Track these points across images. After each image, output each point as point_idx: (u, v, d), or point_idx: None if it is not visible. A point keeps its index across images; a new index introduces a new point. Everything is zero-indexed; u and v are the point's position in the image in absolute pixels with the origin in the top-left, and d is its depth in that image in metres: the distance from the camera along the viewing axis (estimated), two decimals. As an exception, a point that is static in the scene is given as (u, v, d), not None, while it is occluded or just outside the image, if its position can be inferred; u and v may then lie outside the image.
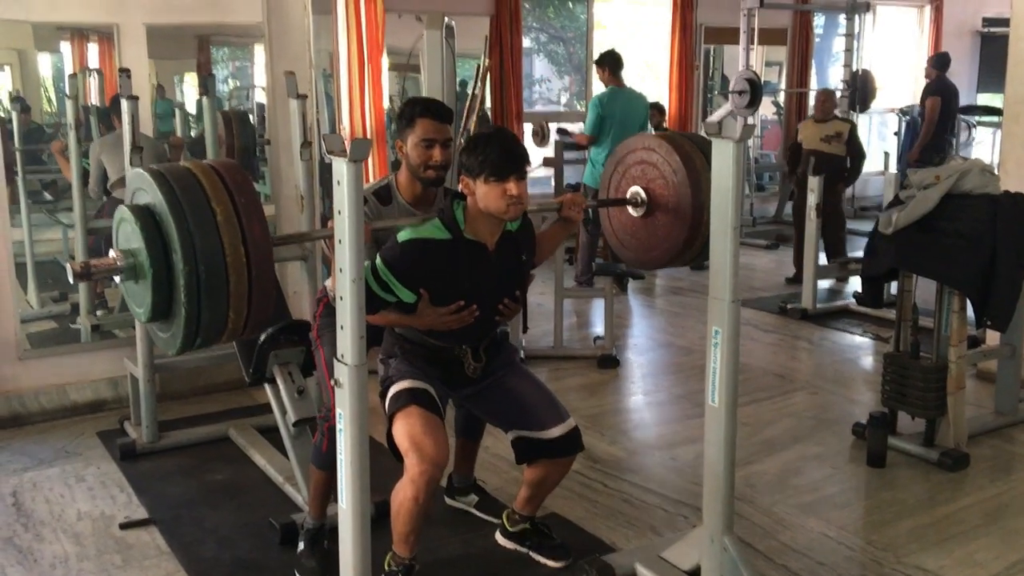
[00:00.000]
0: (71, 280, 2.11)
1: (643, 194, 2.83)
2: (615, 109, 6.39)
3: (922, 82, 11.34)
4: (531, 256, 2.89)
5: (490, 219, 2.66)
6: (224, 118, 5.10)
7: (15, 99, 4.66)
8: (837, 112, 7.39)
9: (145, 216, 2.01)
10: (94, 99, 4.92)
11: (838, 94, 8.06)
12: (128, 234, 2.07)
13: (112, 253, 2.11)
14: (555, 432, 2.84)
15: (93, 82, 4.89)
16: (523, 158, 2.63)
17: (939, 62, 8.94)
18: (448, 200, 2.72)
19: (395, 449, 2.71)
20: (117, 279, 2.11)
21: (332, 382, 2.30)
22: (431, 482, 2.61)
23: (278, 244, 2.20)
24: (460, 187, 2.66)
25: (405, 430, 2.65)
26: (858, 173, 7.29)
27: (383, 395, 2.81)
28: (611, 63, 6.55)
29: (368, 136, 7.09)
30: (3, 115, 4.53)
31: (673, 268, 7.54)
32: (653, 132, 7.34)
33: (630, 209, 2.88)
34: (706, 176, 2.66)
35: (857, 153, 7.05)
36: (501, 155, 2.57)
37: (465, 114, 6.96)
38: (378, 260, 2.60)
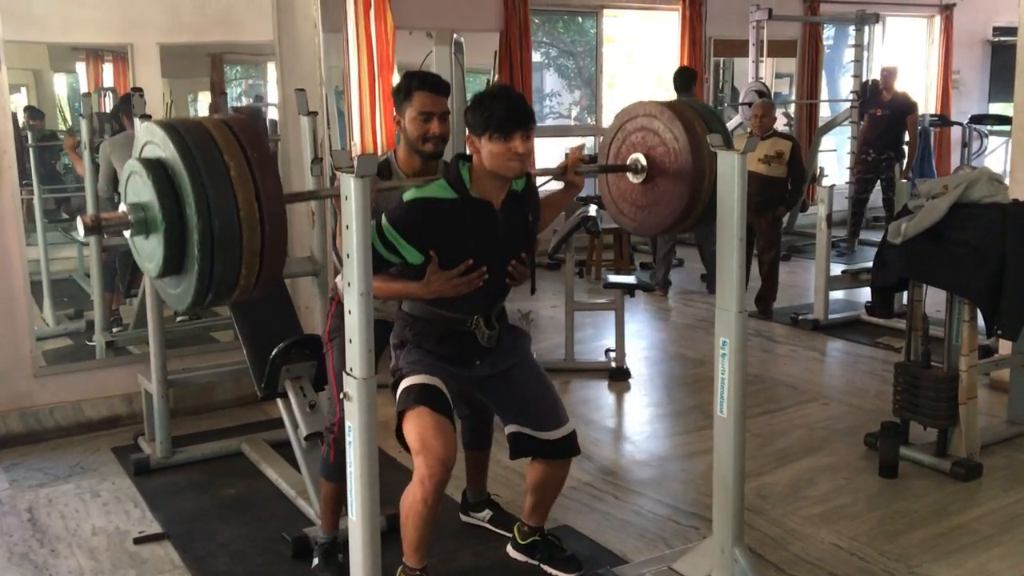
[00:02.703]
0: (81, 234, 2.07)
1: (643, 160, 2.82)
2: None
3: (933, 91, 11.38)
4: (537, 218, 2.87)
5: (496, 178, 2.64)
6: (236, 114, 5.13)
7: (27, 108, 4.72)
8: (778, 128, 6.77)
9: (157, 169, 1.98)
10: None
11: (843, 104, 7.66)
12: (138, 187, 2.03)
13: (122, 207, 2.08)
14: (554, 435, 2.85)
15: (108, 101, 4.95)
16: (529, 115, 2.60)
17: (892, 76, 8.70)
18: (453, 160, 2.70)
19: (405, 443, 2.72)
20: (127, 233, 2.07)
21: (340, 396, 2.31)
22: (439, 484, 2.63)
23: (288, 201, 2.17)
24: (466, 145, 2.64)
25: (416, 431, 2.66)
26: (799, 196, 6.69)
27: (394, 387, 2.78)
28: (679, 80, 7.12)
29: (379, 152, 7.14)
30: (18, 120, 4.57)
31: (686, 287, 7.58)
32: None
33: (630, 176, 2.87)
34: (707, 143, 2.66)
35: (798, 175, 6.44)
36: (506, 112, 2.55)
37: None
38: (384, 220, 2.59)
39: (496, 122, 2.54)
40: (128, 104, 3.87)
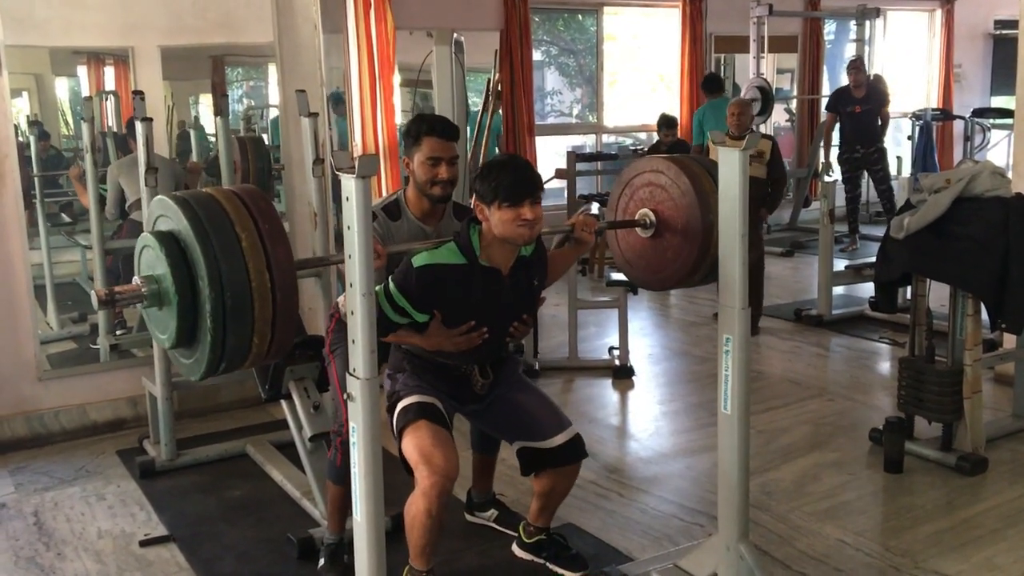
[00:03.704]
0: (95, 307, 2.12)
1: (652, 216, 2.85)
2: (710, 117, 8.09)
3: (935, 85, 11.36)
4: (543, 280, 2.92)
5: (505, 244, 2.68)
6: (239, 144, 5.15)
7: (33, 123, 4.73)
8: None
9: (170, 242, 2.03)
10: (111, 122, 4.99)
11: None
12: (152, 260, 2.07)
13: (135, 279, 2.12)
14: (557, 440, 2.88)
15: (109, 105, 4.95)
16: (536, 182, 2.65)
17: (859, 71, 8.47)
18: (464, 224, 2.73)
19: (407, 464, 2.74)
20: (139, 305, 2.12)
21: (344, 396, 2.32)
22: (442, 494, 2.63)
23: (298, 269, 2.21)
24: (475, 213, 2.68)
25: (415, 444, 2.68)
26: (780, 197, 6.36)
27: (391, 410, 2.83)
28: (708, 84, 8.47)
29: (380, 152, 7.15)
30: (21, 140, 4.59)
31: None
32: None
33: (639, 231, 2.90)
34: (714, 198, 2.68)
35: (778, 175, 6.15)
36: (514, 180, 2.59)
37: (476, 131, 6.99)
38: (392, 286, 2.62)
39: (504, 191, 2.58)
40: (135, 129, 3.90)
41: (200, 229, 1.99)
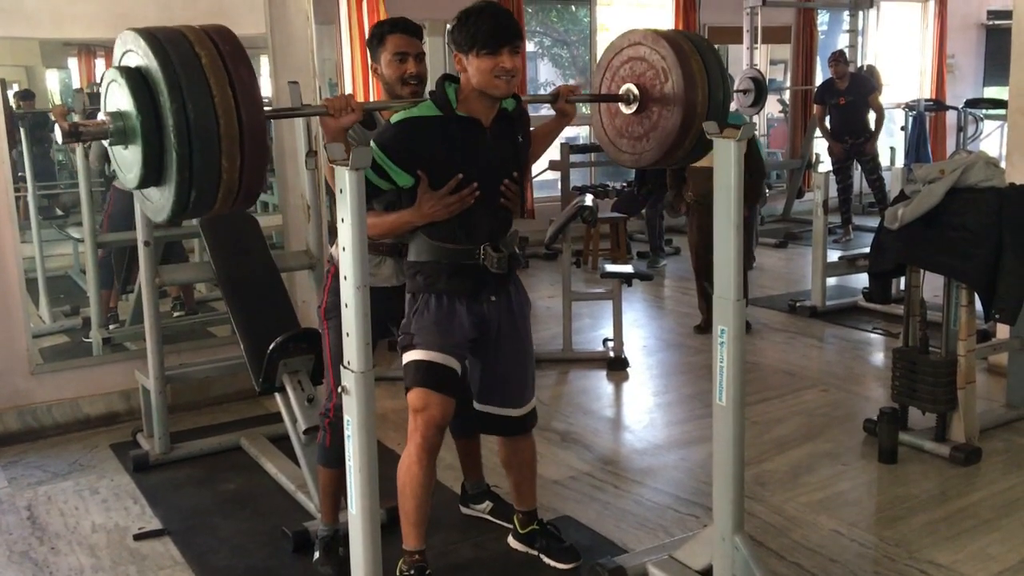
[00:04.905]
0: (59, 140, 2.08)
1: (635, 90, 2.79)
2: None
3: (928, 76, 11.36)
4: (527, 139, 2.85)
5: (484, 97, 2.62)
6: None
7: (17, 93, 4.68)
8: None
9: (133, 72, 2.01)
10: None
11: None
12: (116, 94, 2.04)
13: (100, 116, 2.08)
14: (515, 412, 2.92)
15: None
16: (516, 30, 2.58)
17: (841, 63, 8.49)
18: (439, 81, 2.68)
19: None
20: (106, 143, 2.07)
21: (340, 389, 2.31)
22: (432, 447, 2.68)
23: (271, 117, 2.18)
24: (454, 65, 2.63)
25: (420, 403, 2.70)
26: (759, 193, 6.02)
27: (402, 349, 2.76)
28: None
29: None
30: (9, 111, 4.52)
31: (682, 275, 7.57)
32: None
33: (623, 107, 2.84)
34: (696, 59, 2.65)
35: (756, 169, 5.61)
36: (492, 27, 2.52)
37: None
38: (373, 144, 2.58)
39: (483, 37, 2.52)
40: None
41: (160, 52, 1.97)
